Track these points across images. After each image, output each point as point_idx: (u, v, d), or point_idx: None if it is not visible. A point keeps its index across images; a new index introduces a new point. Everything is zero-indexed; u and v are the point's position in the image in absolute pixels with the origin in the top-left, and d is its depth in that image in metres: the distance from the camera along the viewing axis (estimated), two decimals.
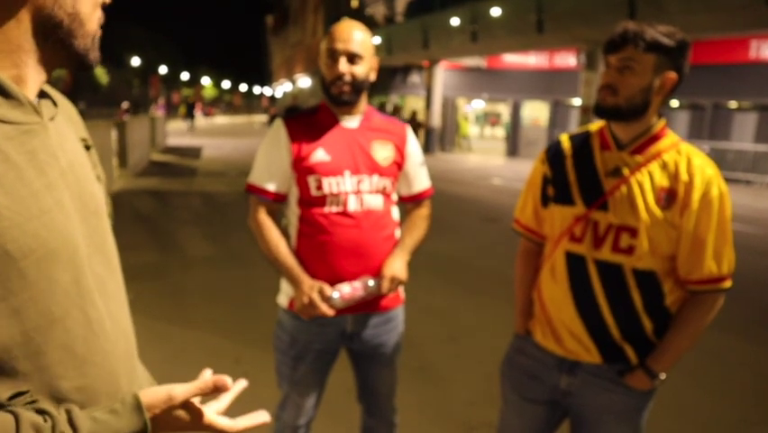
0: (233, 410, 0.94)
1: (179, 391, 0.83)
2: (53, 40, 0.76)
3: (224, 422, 0.90)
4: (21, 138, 0.72)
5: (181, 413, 0.84)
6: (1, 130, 0.70)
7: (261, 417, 0.95)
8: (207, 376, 0.88)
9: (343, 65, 1.77)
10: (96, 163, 0.92)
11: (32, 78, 0.77)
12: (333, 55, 1.78)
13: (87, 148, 0.91)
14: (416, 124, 15.13)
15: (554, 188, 1.66)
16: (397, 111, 11.80)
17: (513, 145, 22.37)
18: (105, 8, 0.84)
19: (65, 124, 0.86)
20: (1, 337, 0.68)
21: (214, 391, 0.85)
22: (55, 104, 0.84)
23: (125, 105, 24.82)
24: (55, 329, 0.74)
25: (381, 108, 10.47)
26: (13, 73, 0.74)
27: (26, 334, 0.70)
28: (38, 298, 0.71)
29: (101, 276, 0.84)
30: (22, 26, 0.73)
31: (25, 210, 0.70)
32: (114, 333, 0.85)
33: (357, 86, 1.80)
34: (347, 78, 1.78)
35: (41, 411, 0.71)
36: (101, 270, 0.84)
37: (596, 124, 1.67)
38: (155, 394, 0.82)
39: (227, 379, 0.86)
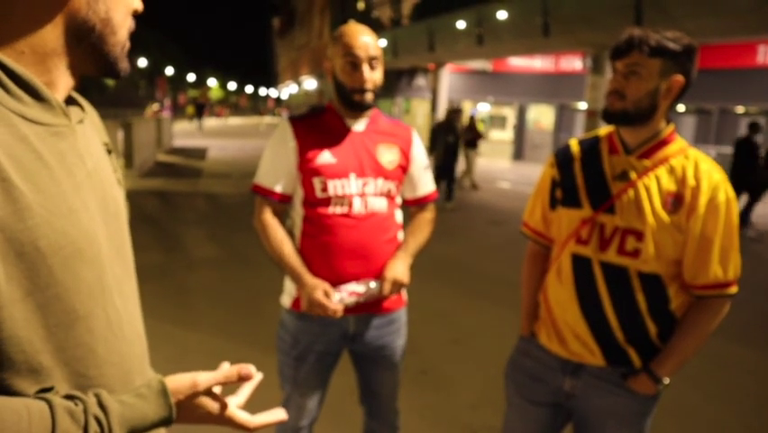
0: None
1: (204, 378, 0.85)
2: (85, 44, 0.78)
3: (243, 417, 0.91)
4: (51, 139, 0.74)
5: (205, 400, 0.86)
6: (34, 130, 0.72)
7: (278, 415, 0.96)
8: (226, 367, 0.89)
9: (368, 72, 1.78)
10: (116, 168, 0.94)
11: (63, 82, 0.79)
12: (355, 63, 1.78)
13: (109, 152, 0.93)
14: (475, 134, 12.50)
15: (562, 191, 1.66)
16: (455, 114, 10.38)
17: (518, 148, 22.34)
18: (135, 17, 0.85)
19: (90, 128, 0.88)
20: (25, 331, 0.69)
21: (239, 380, 0.87)
22: (82, 109, 0.86)
23: (156, 107, 24.88)
24: (78, 327, 0.75)
25: (452, 118, 9.47)
26: (46, 77, 0.76)
27: (49, 329, 0.71)
28: (63, 295, 0.72)
29: (119, 278, 0.85)
30: (57, 30, 0.75)
31: (56, 208, 0.71)
32: (131, 335, 0.87)
33: (377, 90, 1.82)
34: (370, 85, 1.79)
35: (69, 397, 0.72)
36: (119, 272, 0.86)
37: (605, 129, 1.67)
38: (180, 381, 0.83)
39: (251, 368, 0.87)
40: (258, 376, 0.92)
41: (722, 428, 3.15)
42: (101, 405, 0.73)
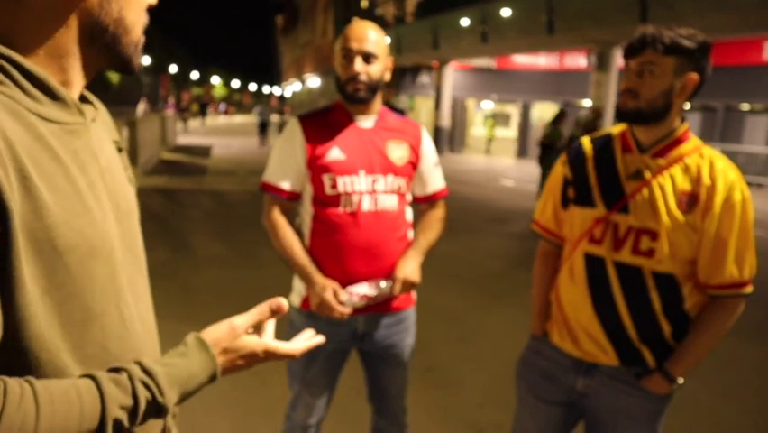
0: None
1: (240, 321, 0.86)
2: (99, 44, 0.79)
3: (285, 346, 0.92)
4: (66, 137, 0.75)
5: (247, 339, 0.86)
6: (50, 129, 0.73)
7: (317, 339, 0.99)
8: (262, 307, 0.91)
9: (359, 64, 1.77)
10: (127, 166, 0.95)
11: (77, 80, 0.80)
12: (348, 54, 1.77)
13: (119, 150, 0.94)
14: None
15: (575, 189, 1.65)
16: (594, 121, 8.48)
17: (522, 146, 22.31)
18: (149, 11, 0.86)
19: (102, 126, 0.88)
20: (47, 330, 0.69)
21: (272, 315, 0.89)
22: (95, 107, 0.87)
23: (144, 104, 25.03)
24: (93, 326, 0.75)
25: (593, 125, 7.28)
26: (61, 76, 0.77)
27: (65, 328, 0.72)
28: (79, 293, 0.73)
29: (131, 276, 0.86)
30: (70, 31, 0.76)
31: (71, 207, 0.72)
32: (143, 332, 0.87)
33: (372, 85, 1.80)
34: (363, 77, 1.77)
35: (114, 369, 0.74)
36: (131, 270, 0.86)
37: (618, 127, 1.66)
38: (217, 330, 0.85)
39: (281, 300, 0.89)
40: (287, 306, 0.93)
41: (731, 426, 3.14)
42: (144, 370, 0.74)
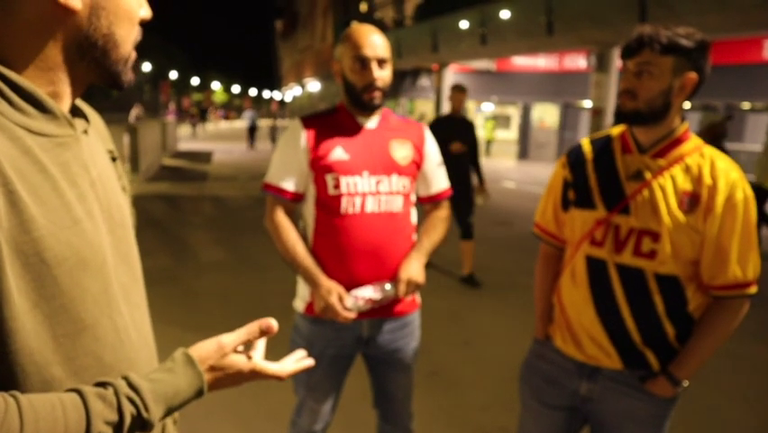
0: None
1: (228, 339, 0.86)
2: (88, 59, 0.79)
3: (273, 367, 0.92)
4: (55, 150, 0.75)
5: (235, 358, 0.86)
6: (38, 142, 0.73)
7: (306, 361, 0.98)
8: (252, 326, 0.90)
9: (377, 71, 1.78)
10: (121, 174, 0.95)
11: (68, 93, 0.80)
12: (364, 62, 1.78)
13: (114, 159, 0.94)
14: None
15: (575, 191, 1.64)
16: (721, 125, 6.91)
17: (523, 148, 22.32)
18: (143, 24, 0.86)
19: (94, 136, 0.88)
20: (35, 342, 0.69)
21: (261, 335, 0.88)
22: (87, 118, 0.86)
23: (138, 110, 25.11)
24: (85, 336, 0.75)
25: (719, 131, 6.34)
26: (50, 90, 0.77)
27: (56, 340, 0.72)
28: (69, 305, 0.73)
29: (126, 286, 0.86)
30: (58, 45, 0.76)
31: (59, 220, 0.72)
32: (138, 341, 0.87)
33: (385, 90, 1.82)
34: (379, 83, 1.79)
35: (100, 384, 0.74)
36: (126, 279, 0.86)
37: (617, 128, 1.65)
38: (205, 347, 0.85)
39: (271, 321, 0.88)
40: (276, 327, 0.92)
41: (738, 428, 3.13)
42: (131, 385, 0.74)
